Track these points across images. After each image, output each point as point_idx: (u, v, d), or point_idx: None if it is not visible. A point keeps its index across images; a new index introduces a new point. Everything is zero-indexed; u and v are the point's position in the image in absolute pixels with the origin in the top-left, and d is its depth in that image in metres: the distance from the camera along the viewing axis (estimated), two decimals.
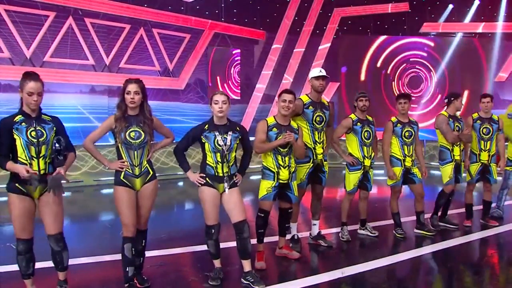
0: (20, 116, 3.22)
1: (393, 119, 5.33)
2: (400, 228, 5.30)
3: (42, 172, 3.20)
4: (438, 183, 5.92)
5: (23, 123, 3.19)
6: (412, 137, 5.26)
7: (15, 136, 3.16)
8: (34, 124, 3.21)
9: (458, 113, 5.75)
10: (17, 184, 3.19)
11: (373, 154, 5.18)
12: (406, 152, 5.23)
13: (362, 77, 12.99)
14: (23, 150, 3.16)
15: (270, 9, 12.41)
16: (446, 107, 5.65)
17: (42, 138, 3.21)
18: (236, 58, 11.73)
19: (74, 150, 3.46)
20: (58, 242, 3.32)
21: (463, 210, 5.94)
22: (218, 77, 11.39)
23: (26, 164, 3.15)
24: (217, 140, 3.72)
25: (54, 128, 3.30)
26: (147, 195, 3.62)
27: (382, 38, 13.03)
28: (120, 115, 3.55)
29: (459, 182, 5.69)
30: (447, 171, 5.56)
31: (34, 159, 3.18)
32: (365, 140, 5.09)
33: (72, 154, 3.40)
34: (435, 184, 7.80)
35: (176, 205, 8.13)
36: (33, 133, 3.18)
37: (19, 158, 3.17)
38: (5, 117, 3.23)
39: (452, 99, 5.60)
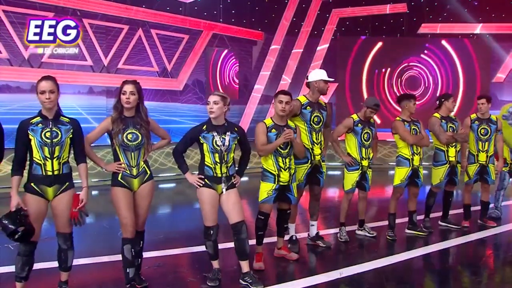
0: (38, 118, 3.30)
1: (399, 118, 5.34)
2: (391, 231, 5.29)
3: (56, 173, 3.25)
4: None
5: (40, 124, 3.26)
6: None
7: (30, 137, 3.23)
8: (51, 125, 3.28)
9: (453, 113, 5.75)
10: (32, 184, 3.26)
11: (371, 155, 5.18)
12: (414, 150, 5.23)
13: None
14: (37, 151, 3.24)
15: (268, 10, 12.40)
16: (438, 108, 5.66)
17: (57, 139, 3.26)
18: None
19: (86, 160, 3.46)
20: (66, 241, 3.38)
21: (461, 210, 5.95)
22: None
23: (40, 165, 3.22)
24: (216, 140, 3.72)
25: (71, 130, 3.35)
26: (144, 195, 3.63)
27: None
28: (116, 116, 3.57)
29: (456, 184, 5.67)
30: (439, 173, 5.55)
31: (48, 159, 3.25)
32: (364, 142, 5.08)
33: (83, 166, 3.42)
34: None
35: (174, 206, 8.11)
36: (48, 134, 3.25)
37: (34, 158, 3.25)
38: (24, 119, 3.30)
39: (443, 100, 5.60)
